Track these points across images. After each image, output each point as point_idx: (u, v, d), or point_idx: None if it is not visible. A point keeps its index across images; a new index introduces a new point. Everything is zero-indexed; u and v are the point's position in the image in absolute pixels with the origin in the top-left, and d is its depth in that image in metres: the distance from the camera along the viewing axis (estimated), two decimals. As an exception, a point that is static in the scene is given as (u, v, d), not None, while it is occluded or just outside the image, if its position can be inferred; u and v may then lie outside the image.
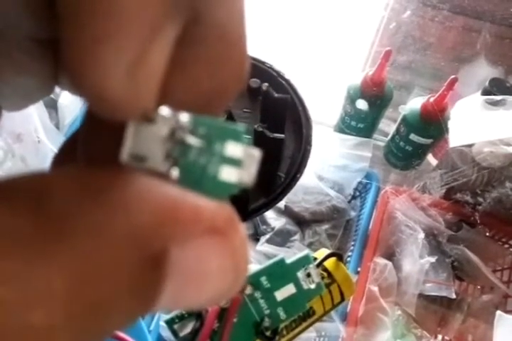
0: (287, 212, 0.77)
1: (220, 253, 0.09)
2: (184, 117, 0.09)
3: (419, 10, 0.83)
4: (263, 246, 0.72)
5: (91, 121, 0.11)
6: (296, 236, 0.75)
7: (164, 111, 0.09)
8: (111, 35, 0.08)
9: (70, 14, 0.08)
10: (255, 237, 0.75)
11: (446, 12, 0.81)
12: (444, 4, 0.80)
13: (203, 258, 0.09)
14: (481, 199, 0.68)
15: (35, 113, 0.70)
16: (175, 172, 0.09)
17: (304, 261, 0.29)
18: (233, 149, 0.09)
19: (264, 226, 0.75)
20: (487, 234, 0.75)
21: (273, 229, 0.74)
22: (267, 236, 0.73)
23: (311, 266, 0.29)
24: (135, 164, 0.09)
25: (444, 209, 0.73)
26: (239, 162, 0.09)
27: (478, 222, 0.71)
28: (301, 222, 0.77)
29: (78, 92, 0.09)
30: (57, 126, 0.77)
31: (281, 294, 0.28)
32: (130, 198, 0.08)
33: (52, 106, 0.77)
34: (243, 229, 0.10)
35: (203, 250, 0.09)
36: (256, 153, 0.10)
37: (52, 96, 0.77)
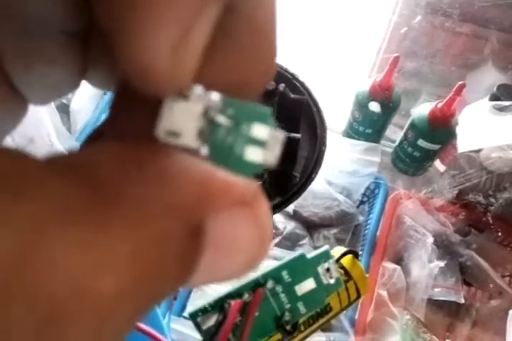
0: (296, 217, 0.77)
1: (249, 223, 0.09)
2: (215, 96, 0.10)
3: (427, 16, 0.84)
4: (272, 249, 0.72)
5: (122, 101, 0.11)
6: (305, 241, 0.75)
7: (198, 89, 0.10)
8: (159, 13, 0.08)
9: None
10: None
11: (455, 18, 0.81)
12: (453, 10, 0.81)
13: (234, 229, 0.09)
14: (492, 200, 0.68)
15: (47, 117, 0.71)
16: (205, 150, 0.10)
17: (323, 257, 0.30)
18: (259, 130, 0.10)
19: (273, 230, 0.75)
20: (496, 237, 0.75)
21: (282, 233, 0.74)
22: (276, 239, 0.74)
23: (330, 261, 0.30)
24: (169, 140, 0.09)
25: (454, 213, 0.73)
26: (264, 143, 0.10)
27: (491, 222, 0.71)
28: (310, 226, 0.77)
29: (124, 68, 0.09)
30: (68, 130, 0.77)
31: (301, 288, 0.29)
32: (171, 172, 0.09)
33: (64, 111, 0.78)
34: (267, 202, 0.10)
35: (233, 221, 0.09)
36: (280, 135, 0.10)
37: (64, 101, 0.77)
